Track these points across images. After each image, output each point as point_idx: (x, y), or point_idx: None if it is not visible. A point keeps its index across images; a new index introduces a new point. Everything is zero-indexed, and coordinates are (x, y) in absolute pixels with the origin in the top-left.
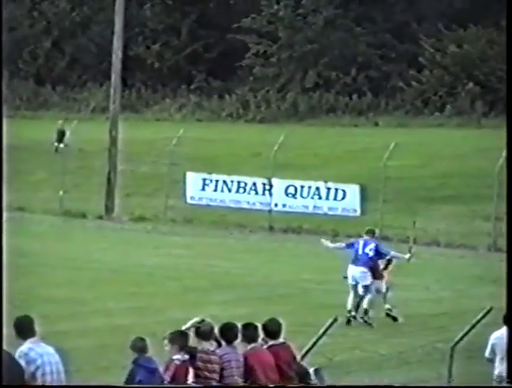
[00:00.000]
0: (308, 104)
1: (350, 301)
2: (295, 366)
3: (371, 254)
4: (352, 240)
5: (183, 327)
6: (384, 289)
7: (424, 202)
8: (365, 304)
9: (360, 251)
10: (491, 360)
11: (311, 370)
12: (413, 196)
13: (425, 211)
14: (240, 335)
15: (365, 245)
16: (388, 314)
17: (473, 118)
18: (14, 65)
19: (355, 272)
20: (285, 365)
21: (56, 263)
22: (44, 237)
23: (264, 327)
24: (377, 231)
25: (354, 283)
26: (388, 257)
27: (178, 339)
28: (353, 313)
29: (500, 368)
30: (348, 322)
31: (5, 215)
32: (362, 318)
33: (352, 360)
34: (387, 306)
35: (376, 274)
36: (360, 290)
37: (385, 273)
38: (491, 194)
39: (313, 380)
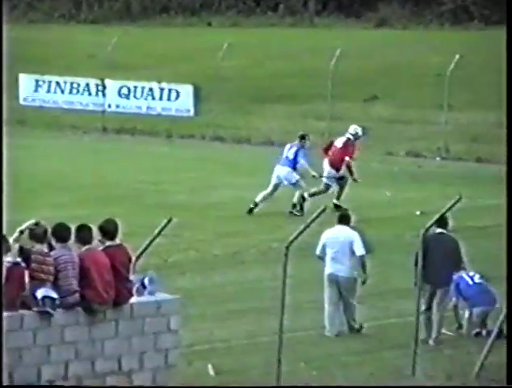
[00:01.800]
0: (140, 4)
1: (260, 196)
2: (131, 267)
3: (291, 157)
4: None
5: (18, 229)
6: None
7: (257, 102)
8: (294, 199)
9: (284, 154)
10: (322, 258)
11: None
12: (246, 96)
13: (259, 110)
14: (74, 237)
15: (290, 148)
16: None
17: (306, 17)
18: None
19: (281, 171)
20: (121, 266)
21: None
22: None
23: (101, 228)
24: (210, 131)
25: (277, 182)
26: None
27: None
28: (255, 206)
29: (332, 267)
30: (250, 211)
31: None
32: (291, 212)
33: (186, 260)
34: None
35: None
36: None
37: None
38: (325, 93)
39: (148, 287)
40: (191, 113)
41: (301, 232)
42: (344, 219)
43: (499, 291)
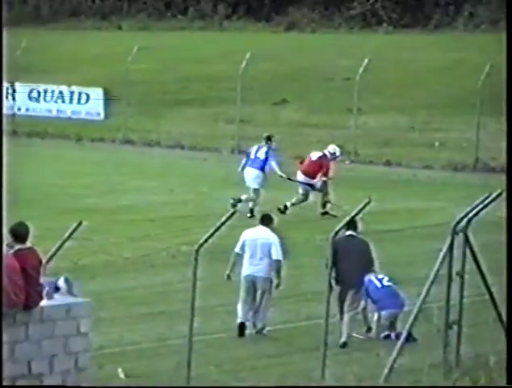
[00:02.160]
0: (50, 8)
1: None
2: (41, 270)
3: (262, 157)
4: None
5: None
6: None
7: (168, 105)
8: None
9: (253, 155)
10: (240, 255)
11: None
12: (156, 100)
13: (169, 114)
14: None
15: (258, 150)
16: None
17: (215, 20)
18: None
19: (249, 173)
20: (32, 270)
21: None
22: None
23: (12, 231)
24: (120, 134)
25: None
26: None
27: None
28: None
29: (249, 268)
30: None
31: None
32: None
33: (97, 263)
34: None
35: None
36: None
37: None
38: (234, 97)
39: (62, 288)
40: (101, 117)
41: (211, 235)
42: (266, 220)
43: (408, 294)
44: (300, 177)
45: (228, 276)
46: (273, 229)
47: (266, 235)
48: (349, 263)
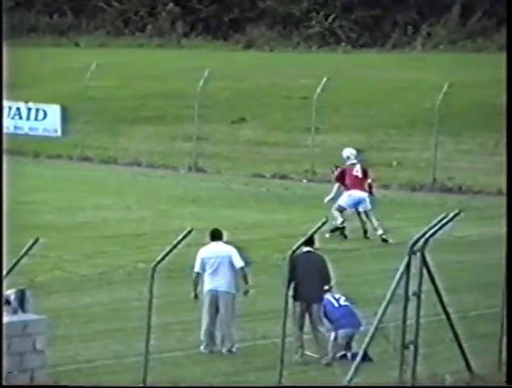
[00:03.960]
0: (8, 24)
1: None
2: None
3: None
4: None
5: None
6: None
7: (125, 123)
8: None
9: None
10: (200, 275)
11: (10, 292)
12: (114, 117)
13: (126, 131)
14: None
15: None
16: None
17: (173, 38)
18: None
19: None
20: None
21: None
22: None
23: None
24: (78, 151)
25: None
26: None
27: None
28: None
29: (211, 283)
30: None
31: None
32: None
33: (53, 280)
34: None
35: None
36: None
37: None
38: (192, 114)
39: (13, 302)
40: (59, 133)
41: (167, 253)
42: (217, 235)
43: (364, 313)
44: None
45: (196, 296)
46: (227, 243)
47: (223, 249)
48: (308, 278)
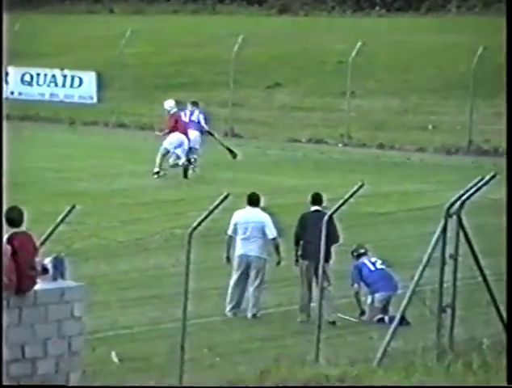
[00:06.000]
0: None
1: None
2: (36, 254)
3: (198, 120)
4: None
5: None
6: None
7: (160, 89)
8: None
9: (187, 119)
10: (233, 238)
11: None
12: (149, 84)
13: (162, 98)
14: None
15: (192, 114)
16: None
17: (208, 4)
18: None
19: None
20: (26, 253)
21: None
22: None
23: (5, 216)
24: (113, 118)
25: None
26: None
27: None
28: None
29: (243, 248)
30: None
31: None
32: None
33: (90, 247)
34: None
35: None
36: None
37: None
38: (227, 80)
39: (51, 269)
40: (94, 100)
41: (204, 219)
42: (254, 200)
43: (401, 277)
44: None
45: (228, 259)
46: (263, 209)
47: (257, 215)
48: (317, 238)
